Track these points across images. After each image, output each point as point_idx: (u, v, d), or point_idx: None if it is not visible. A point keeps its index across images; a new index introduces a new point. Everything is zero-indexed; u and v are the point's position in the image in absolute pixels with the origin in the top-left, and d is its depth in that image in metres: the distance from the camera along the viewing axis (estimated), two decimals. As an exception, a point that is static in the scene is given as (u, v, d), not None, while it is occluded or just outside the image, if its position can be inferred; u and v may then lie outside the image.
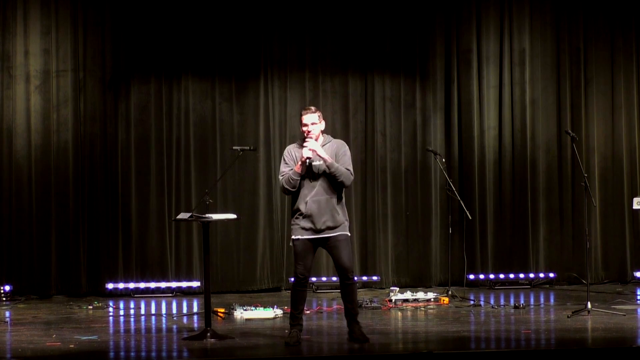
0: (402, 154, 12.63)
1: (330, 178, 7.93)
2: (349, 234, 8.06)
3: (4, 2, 11.85)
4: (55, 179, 11.89)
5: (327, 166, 7.91)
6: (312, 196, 7.92)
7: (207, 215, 8.48)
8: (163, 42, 12.13)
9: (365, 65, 12.62)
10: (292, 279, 8.19)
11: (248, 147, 9.07)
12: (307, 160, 7.90)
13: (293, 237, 7.99)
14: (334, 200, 7.97)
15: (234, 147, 9.19)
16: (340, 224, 7.97)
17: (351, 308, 8.01)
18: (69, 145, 11.93)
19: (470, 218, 11.30)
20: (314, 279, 12.11)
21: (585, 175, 10.09)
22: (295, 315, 8.03)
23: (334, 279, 12.03)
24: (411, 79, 12.72)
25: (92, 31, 12.03)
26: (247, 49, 12.33)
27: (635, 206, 11.23)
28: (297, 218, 7.98)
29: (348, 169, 7.99)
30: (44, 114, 11.91)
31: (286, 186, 7.96)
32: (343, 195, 8.09)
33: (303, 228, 7.93)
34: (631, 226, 13.00)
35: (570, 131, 10.49)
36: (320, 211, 7.90)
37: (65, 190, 11.90)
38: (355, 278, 8.14)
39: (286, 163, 8.05)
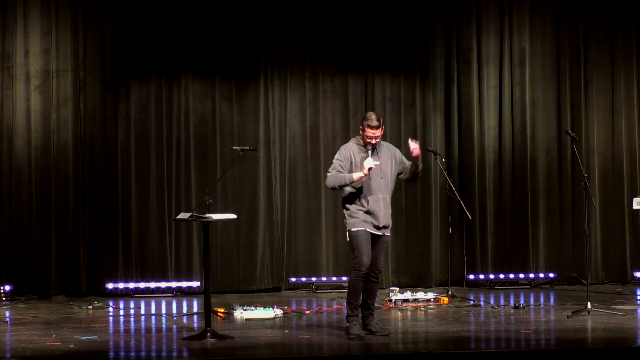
0: (402, 154, 12.58)
1: (390, 179, 8.36)
2: None
3: (4, 2, 11.84)
4: (55, 179, 11.88)
5: (417, 165, 8.42)
6: (376, 194, 8.23)
7: (207, 215, 8.48)
8: (163, 42, 12.13)
9: (365, 65, 12.61)
10: (352, 273, 8.24)
11: (248, 147, 9.07)
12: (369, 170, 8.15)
13: (354, 228, 8.18)
14: (389, 200, 8.35)
15: (234, 147, 9.19)
16: (391, 223, 8.35)
17: (371, 304, 8.36)
18: (69, 145, 11.92)
19: (470, 218, 11.28)
20: (313, 279, 12.12)
21: (585, 175, 10.09)
22: (355, 307, 8.22)
23: (334, 279, 12.11)
24: (411, 79, 12.72)
25: (92, 31, 12.02)
26: (247, 49, 12.33)
27: (635, 206, 11.22)
28: (357, 212, 8.20)
29: None
30: (44, 114, 11.90)
31: (337, 186, 8.21)
32: None
33: (365, 221, 8.19)
34: (631, 226, 12.99)
35: (570, 131, 10.49)
36: (382, 209, 8.23)
37: (65, 190, 11.89)
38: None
39: (340, 160, 8.26)
